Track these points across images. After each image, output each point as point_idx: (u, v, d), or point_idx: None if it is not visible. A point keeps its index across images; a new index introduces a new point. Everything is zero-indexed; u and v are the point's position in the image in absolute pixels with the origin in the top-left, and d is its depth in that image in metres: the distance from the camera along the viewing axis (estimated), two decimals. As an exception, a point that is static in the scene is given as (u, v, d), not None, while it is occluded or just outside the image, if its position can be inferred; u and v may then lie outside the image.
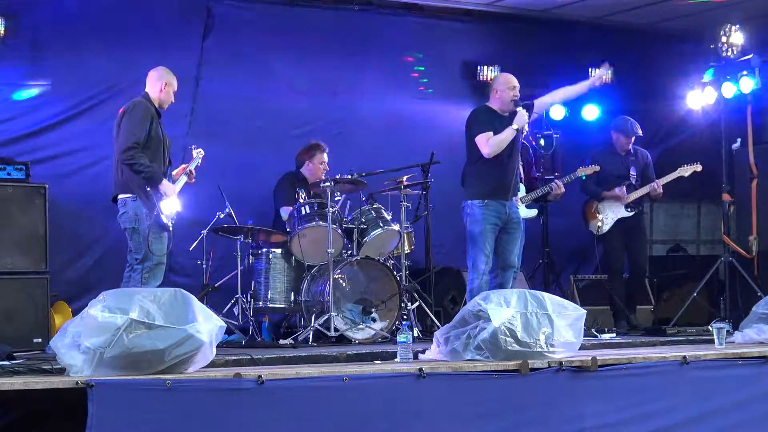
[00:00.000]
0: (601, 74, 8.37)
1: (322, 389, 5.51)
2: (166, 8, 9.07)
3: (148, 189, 7.04)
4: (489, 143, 7.70)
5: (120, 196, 7.16)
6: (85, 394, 4.90)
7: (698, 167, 9.49)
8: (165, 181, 7.15)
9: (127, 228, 7.14)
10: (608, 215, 9.42)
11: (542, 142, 9.55)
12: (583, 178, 9.20)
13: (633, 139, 9.53)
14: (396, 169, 8.84)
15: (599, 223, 9.43)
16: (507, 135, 7.73)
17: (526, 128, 7.93)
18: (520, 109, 7.79)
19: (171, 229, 7.19)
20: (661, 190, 9.40)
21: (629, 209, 9.43)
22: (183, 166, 7.63)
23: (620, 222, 9.44)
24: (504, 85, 7.87)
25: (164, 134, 7.30)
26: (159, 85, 7.31)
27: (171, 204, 7.16)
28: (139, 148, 7.02)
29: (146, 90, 7.36)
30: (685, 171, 9.49)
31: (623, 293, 9.63)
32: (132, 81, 8.90)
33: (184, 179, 7.49)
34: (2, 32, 8.31)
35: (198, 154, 7.72)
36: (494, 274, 7.81)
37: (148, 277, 7.04)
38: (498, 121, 7.80)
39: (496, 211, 7.74)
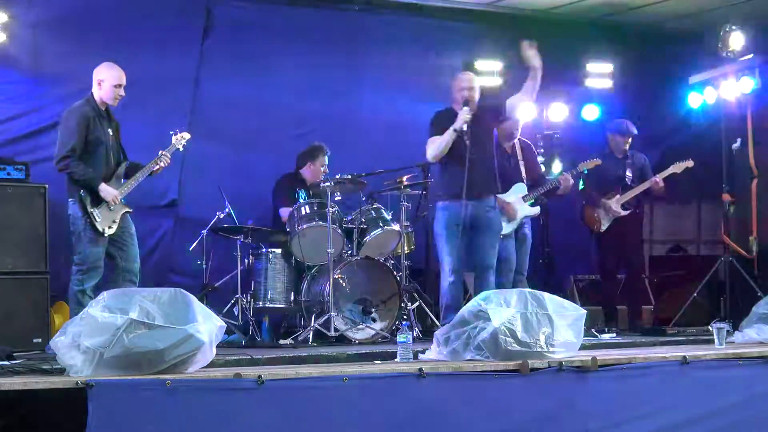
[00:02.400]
0: (529, 55, 7.85)
1: (322, 389, 5.51)
2: (166, 8, 9.07)
3: (83, 194, 7.05)
4: (429, 146, 7.68)
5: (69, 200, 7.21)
6: (85, 394, 4.89)
7: (690, 163, 9.49)
8: (103, 186, 7.10)
9: (70, 231, 7.17)
10: (604, 215, 9.44)
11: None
12: (585, 172, 9.20)
13: (630, 139, 9.52)
14: (396, 169, 8.84)
15: (597, 224, 9.45)
16: (445, 138, 7.60)
17: (464, 127, 7.57)
18: (464, 108, 7.63)
19: (106, 235, 7.10)
20: (663, 184, 9.41)
21: (625, 208, 9.43)
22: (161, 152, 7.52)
23: (616, 221, 9.44)
24: (456, 86, 7.81)
25: (108, 134, 7.22)
26: (95, 83, 7.26)
27: (109, 212, 7.13)
28: (74, 155, 7.04)
29: (92, 90, 7.31)
30: (678, 168, 9.50)
31: (617, 293, 9.62)
32: (132, 81, 8.86)
33: (146, 171, 7.34)
34: (2, 32, 8.31)
35: (177, 140, 7.57)
36: (467, 273, 7.77)
37: (82, 280, 7.05)
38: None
39: (455, 213, 7.59)
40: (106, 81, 7.22)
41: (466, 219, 7.60)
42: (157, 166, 7.40)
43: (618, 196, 9.43)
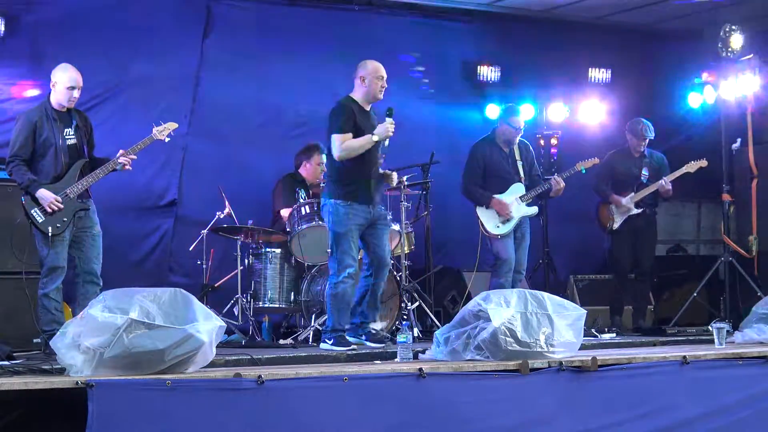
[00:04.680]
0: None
1: (322, 389, 5.51)
2: (166, 8, 9.07)
3: (23, 198, 6.98)
4: (342, 147, 7.20)
5: None
6: (85, 394, 4.90)
7: (704, 163, 9.49)
8: (40, 191, 6.94)
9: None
10: (617, 213, 9.44)
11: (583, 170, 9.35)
12: (583, 171, 9.18)
13: (645, 141, 9.49)
14: (396, 169, 8.82)
15: (610, 221, 9.47)
16: (363, 142, 7.24)
17: (387, 143, 7.38)
18: (388, 119, 7.31)
19: (51, 235, 6.90)
20: (670, 187, 9.39)
21: (639, 207, 9.42)
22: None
23: (630, 220, 9.43)
24: (373, 73, 7.41)
25: (62, 136, 7.07)
26: (51, 85, 7.11)
27: (57, 212, 6.96)
28: (19, 159, 6.97)
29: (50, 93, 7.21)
30: (692, 167, 9.48)
31: (627, 293, 9.61)
32: (132, 81, 8.93)
33: (106, 169, 7.09)
34: (2, 32, 8.31)
35: (159, 131, 7.21)
36: (368, 273, 7.47)
37: (45, 283, 6.95)
38: (362, 116, 7.40)
39: (363, 212, 7.37)
40: (59, 83, 7.05)
41: (371, 219, 7.40)
42: (120, 166, 7.12)
43: (632, 193, 9.42)
